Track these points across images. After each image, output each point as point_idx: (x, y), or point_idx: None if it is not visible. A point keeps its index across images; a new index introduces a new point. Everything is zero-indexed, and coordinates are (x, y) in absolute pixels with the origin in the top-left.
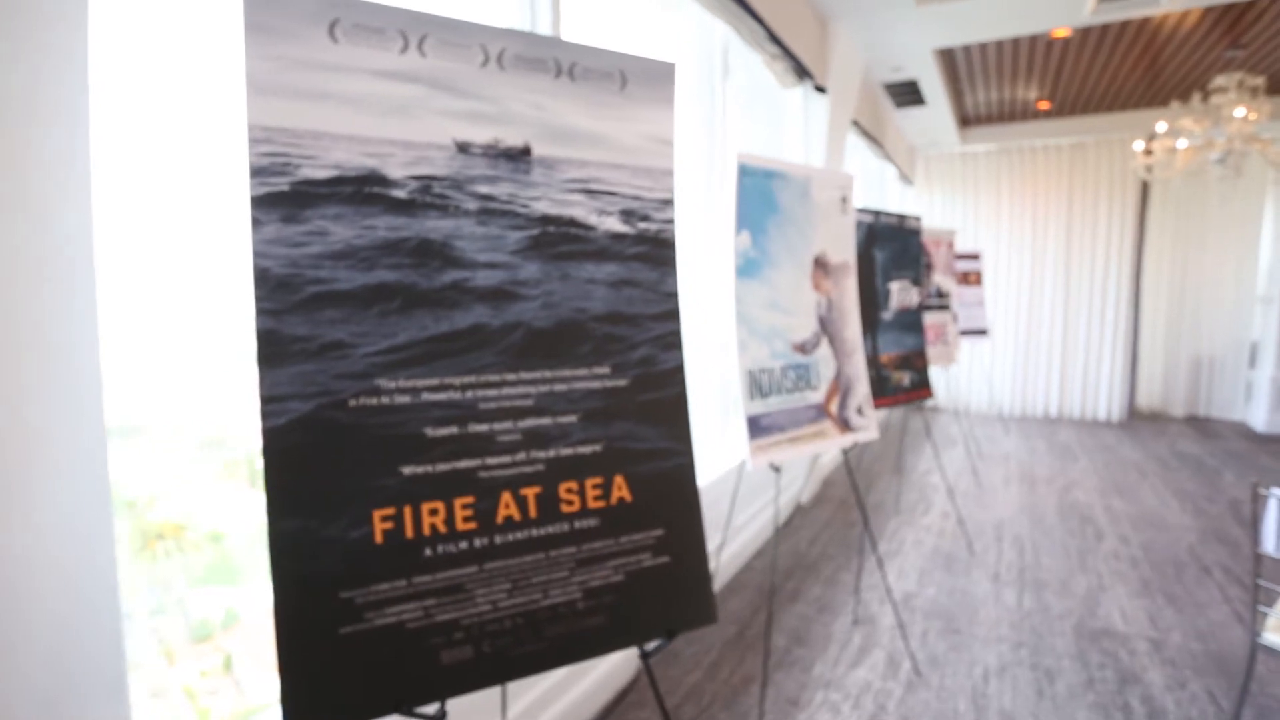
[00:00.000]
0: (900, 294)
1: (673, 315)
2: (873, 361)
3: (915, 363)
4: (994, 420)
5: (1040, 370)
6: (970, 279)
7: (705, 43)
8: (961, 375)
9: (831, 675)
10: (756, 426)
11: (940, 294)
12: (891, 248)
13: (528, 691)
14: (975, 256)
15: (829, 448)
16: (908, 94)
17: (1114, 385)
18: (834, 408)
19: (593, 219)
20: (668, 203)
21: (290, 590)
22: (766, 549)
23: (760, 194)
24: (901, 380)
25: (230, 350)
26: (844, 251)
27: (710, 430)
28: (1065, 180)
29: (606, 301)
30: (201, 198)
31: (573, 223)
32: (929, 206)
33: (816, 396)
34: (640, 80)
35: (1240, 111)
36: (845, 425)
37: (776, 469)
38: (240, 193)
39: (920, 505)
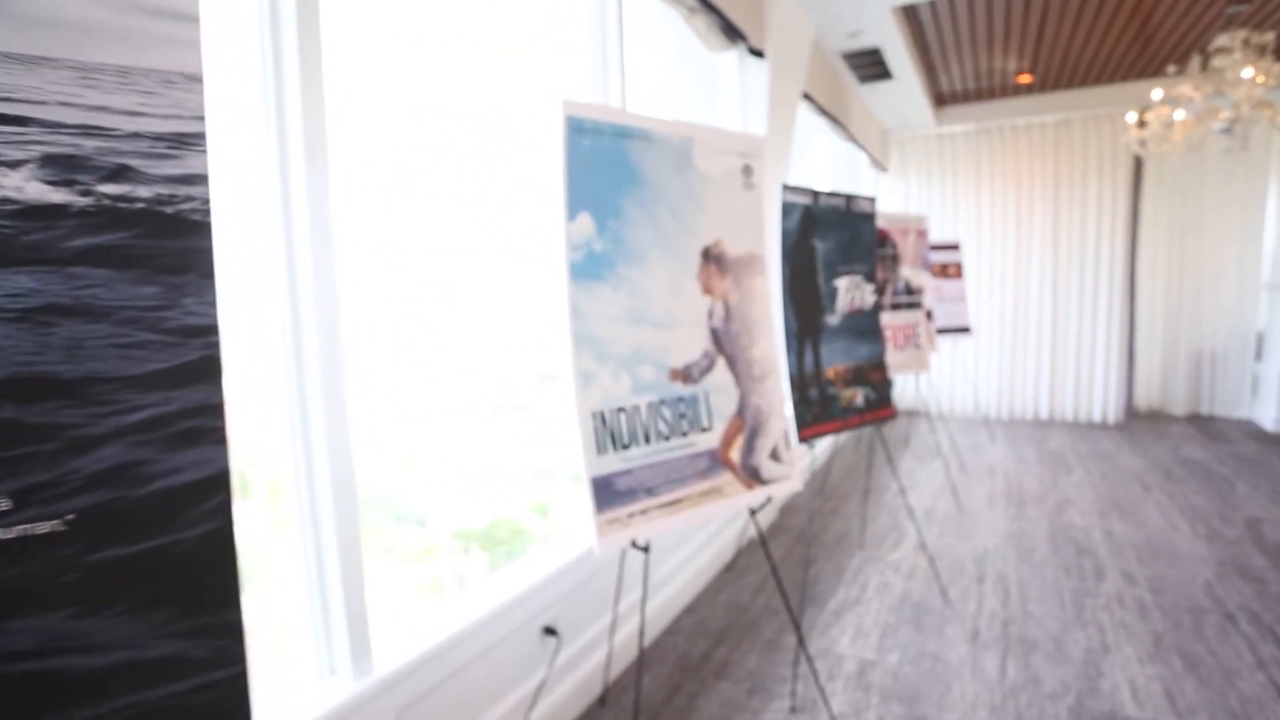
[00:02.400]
0: (850, 292)
1: (203, 373)
2: (814, 378)
3: (871, 376)
4: (979, 425)
5: (1029, 369)
6: (949, 271)
7: None
8: (943, 377)
9: None
10: (609, 491)
11: (910, 290)
12: (836, 236)
13: None
14: (954, 247)
15: (727, 510)
16: (871, 65)
17: (1109, 383)
18: (736, 454)
19: None
20: (189, 142)
21: None
22: (701, 603)
23: (608, 160)
24: (854, 399)
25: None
26: (749, 240)
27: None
28: (1050, 161)
29: (7, 354)
30: None
31: None
32: (904, 194)
33: (708, 440)
34: None
35: (1248, 72)
36: (754, 476)
37: (643, 549)
38: None
39: (891, 536)
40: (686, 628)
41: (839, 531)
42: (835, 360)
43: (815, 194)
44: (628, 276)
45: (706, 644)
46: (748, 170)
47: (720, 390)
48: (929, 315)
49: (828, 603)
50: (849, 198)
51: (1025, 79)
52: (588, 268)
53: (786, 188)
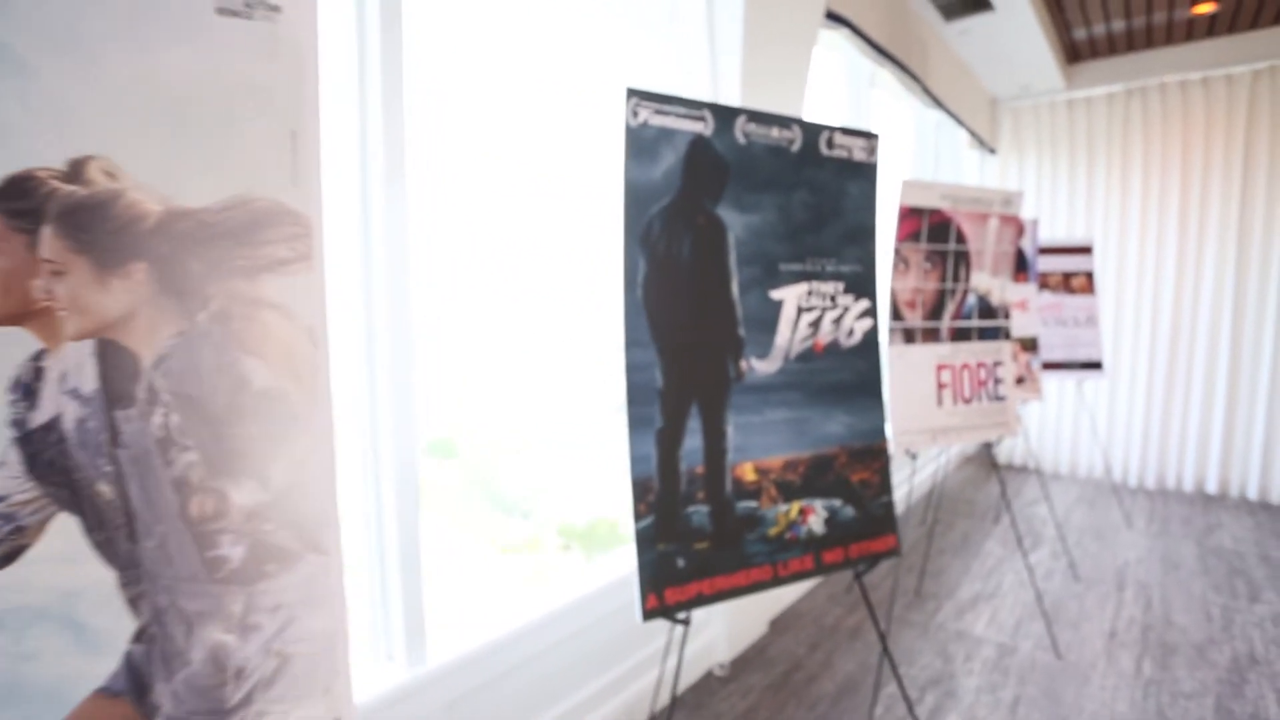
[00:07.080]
0: (810, 313)
1: None
2: (709, 484)
3: (847, 475)
4: (1107, 496)
5: (1191, 420)
6: (1075, 284)
7: None
8: (1061, 424)
9: None
10: None
11: (988, 308)
12: (777, 202)
13: None
14: (1085, 250)
15: None
16: None
17: None
18: None
19: None
20: None
21: None
22: None
23: None
24: (801, 523)
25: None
26: (253, 174)
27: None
28: (1239, 130)
29: None
30: None
31: None
32: (1018, 182)
33: None
34: None
35: None
36: None
37: None
38: None
39: (930, 696)
40: None
41: (848, 676)
42: (763, 447)
43: (725, 113)
44: None
45: None
46: None
47: (36, 616)
48: (1030, 346)
49: None
50: (809, 128)
51: (1205, 8)
52: None
53: (636, 94)
